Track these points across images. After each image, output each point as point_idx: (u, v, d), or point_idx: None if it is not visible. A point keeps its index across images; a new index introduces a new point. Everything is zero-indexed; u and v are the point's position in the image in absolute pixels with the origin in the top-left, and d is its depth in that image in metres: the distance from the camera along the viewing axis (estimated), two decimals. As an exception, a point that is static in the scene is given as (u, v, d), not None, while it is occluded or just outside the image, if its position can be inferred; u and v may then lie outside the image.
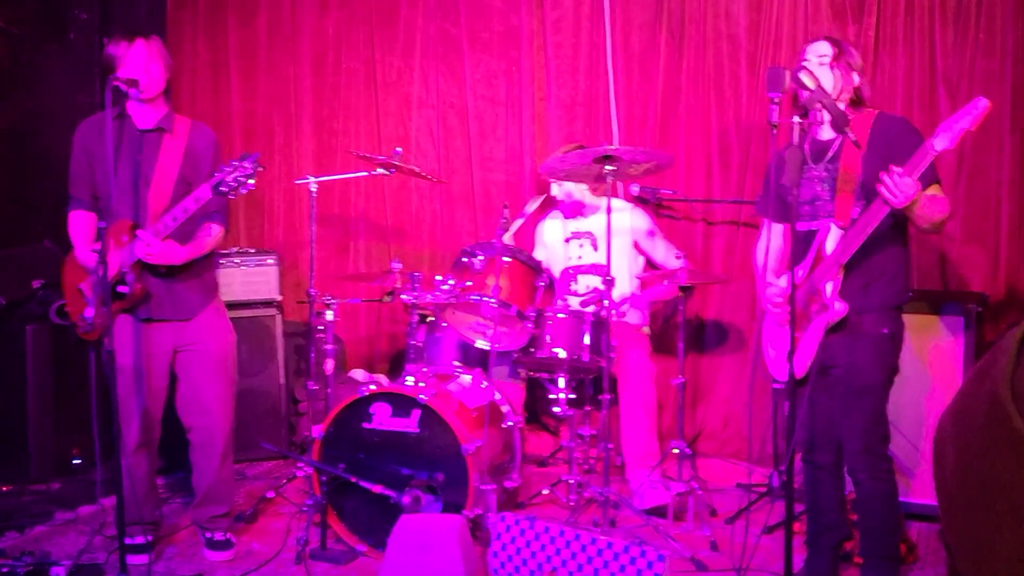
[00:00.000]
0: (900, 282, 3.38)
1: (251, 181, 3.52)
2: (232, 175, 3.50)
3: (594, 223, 4.98)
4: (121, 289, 3.69)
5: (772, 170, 3.27)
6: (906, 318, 4.18)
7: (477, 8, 5.80)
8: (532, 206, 5.01)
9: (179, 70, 5.75)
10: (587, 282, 4.98)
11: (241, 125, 6.00)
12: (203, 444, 3.95)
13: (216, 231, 3.86)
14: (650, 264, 5.16)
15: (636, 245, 5.06)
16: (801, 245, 3.27)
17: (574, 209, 5.05)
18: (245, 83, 6.01)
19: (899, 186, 3.02)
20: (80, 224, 3.86)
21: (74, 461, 4.90)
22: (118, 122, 3.66)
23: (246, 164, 3.51)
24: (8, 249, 4.97)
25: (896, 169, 3.04)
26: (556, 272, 5.03)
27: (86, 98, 5.30)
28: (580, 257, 5.02)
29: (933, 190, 3.22)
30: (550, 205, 5.17)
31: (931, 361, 4.17)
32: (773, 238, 3.61)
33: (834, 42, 3.43)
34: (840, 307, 3.26)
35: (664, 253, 5.02)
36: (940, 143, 3.03)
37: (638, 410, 4.60)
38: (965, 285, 4.80)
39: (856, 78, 3.41)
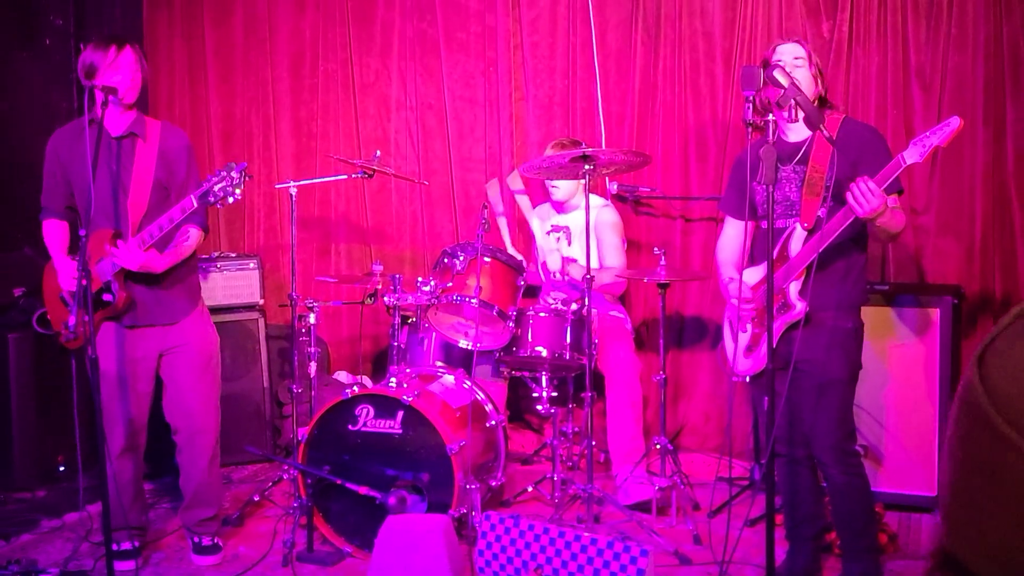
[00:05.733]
0: (862, 284, 3.49)
1: (238, 191, 3.50)
2: (219, 185, 3.48)
3: (570, 218, 5.02)
4: (106, 298, 3.69)
5: (747, 169, 3.30)
6: (885, 311, 4.25)
7: (454, 8, 5.81)
8: (493, 192, 5.08)
9: (156, 72, 5.73)
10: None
11: (220, 128, 5.99)
12: (190, 446, 3.96)
13: (195, 234, 3.86)
14: None
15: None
16: (767, 243, 3.27)
17: (556, 204, 5.09)
18: (223, 85, 5.99)
19: (867, 195, 3.07)
20: (55, 233, 3.86)
21: (59, 468, 4.89)
22: (93, 130, 3.64)
23: (233, 174, 3.48)
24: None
25: (866, 179, 3.10)
26: (543, 259, 5.06)
27: (63, 104, 5.28)
28: (557, 250, 5.06)
29: (892, 200, 3.28)
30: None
31: (911, 355, 4.22)
32: (738, 235, 3.67)
33: (804, 46, 3.50)
34: (802, 307, 3.33)
35: (609, 251, 4.99)
36: (910, 157, 3.11)
37: (624, 406, 4.64)
38: (941, 277, 4.85)
39: (821, 82, 3.49)
